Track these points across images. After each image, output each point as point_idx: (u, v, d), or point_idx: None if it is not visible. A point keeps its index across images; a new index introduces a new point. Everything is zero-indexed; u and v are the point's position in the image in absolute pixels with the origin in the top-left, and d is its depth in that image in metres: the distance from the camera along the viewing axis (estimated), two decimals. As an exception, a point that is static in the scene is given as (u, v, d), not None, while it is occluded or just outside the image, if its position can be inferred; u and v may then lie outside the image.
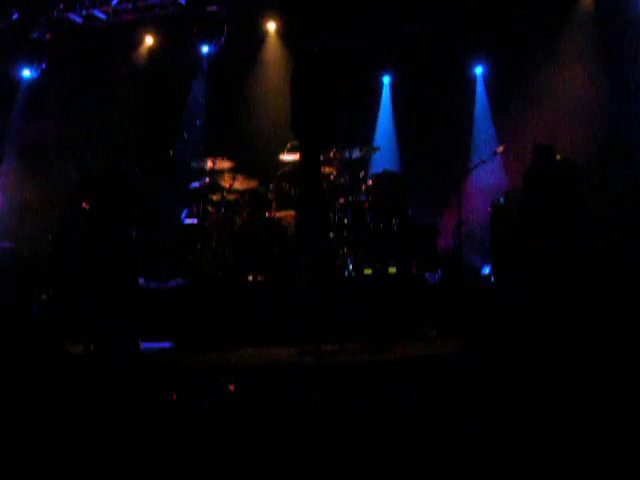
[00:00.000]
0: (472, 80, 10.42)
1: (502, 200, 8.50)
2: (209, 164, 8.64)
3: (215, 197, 8.66)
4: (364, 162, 8.65)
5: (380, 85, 10.83)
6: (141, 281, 8.01)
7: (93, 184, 6.94)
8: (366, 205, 7.99)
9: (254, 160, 9.87)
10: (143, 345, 6.47)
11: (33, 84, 10.88)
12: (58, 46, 10.54)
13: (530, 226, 7.50)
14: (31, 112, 10.73)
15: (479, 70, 10.41)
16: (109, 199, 7.01)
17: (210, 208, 8.66)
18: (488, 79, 10.34)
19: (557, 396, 3.98)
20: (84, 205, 7.03)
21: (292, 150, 8.05)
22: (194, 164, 8.84)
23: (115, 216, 6.98)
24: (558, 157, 7.58)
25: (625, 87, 9.25)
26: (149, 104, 10.72)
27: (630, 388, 3.94)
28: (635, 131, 9.00)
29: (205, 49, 10.87)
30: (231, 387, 4.78)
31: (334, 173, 8.42)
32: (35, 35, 10.31)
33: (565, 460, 3.21)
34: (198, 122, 9.98)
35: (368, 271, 7.71)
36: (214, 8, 10.36)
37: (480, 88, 10.39)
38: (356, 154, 8.42)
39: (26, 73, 10.82)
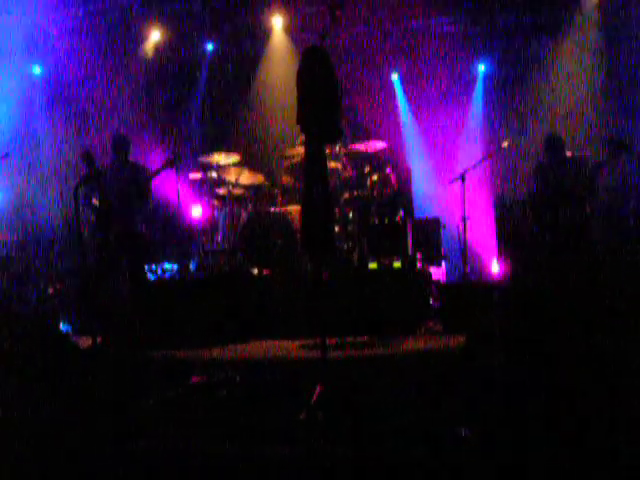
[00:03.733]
0: (476, 77, 10.47)
1: (507, 194, 8.54)
2: (215, 158, 8.68)
3: (221, 191, 8.71)
4: (370, 156, 8.66)
5: (391, 81, 10.88)
6: (148, 275, 8.06)
7: (100, 180, 6.97)
8: (371, 200, 8.02)
9: (260, 155, 9.92)
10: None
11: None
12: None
13: (537, 219, 7.49)
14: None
15: (482, 68, 10.44)
16: (116, 194, 7.05)
17: (216, 202, 8.71)
18: (491, 76, 10.37)
19: (560, 395, 4.01)
20: (93, 201, 7.05)
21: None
22: (200, 158, 8.88)
23: (123, 211, 7.02)
24: (568, 154, 7.61)
25: (627, 86, 9.29)
26: (155, 98, 10.77)
27: (631, 391, 3.96)
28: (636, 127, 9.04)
29: (211, 43, 10.90)
30: (236, 381, 4.82)
31: (339, 168, 8.45)
32: None
33: (565, 460, 3.24)
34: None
35: (373, 265, 7.73)
36: (221, 2, 10.38)
37: (483, 85, 10.42)
38: (362, 148, 8.45)
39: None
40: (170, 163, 7.23)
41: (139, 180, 7.17)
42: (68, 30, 9.97)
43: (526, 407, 3.81)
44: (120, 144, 7.23)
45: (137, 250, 7.13)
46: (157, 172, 7.20)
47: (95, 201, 7.01)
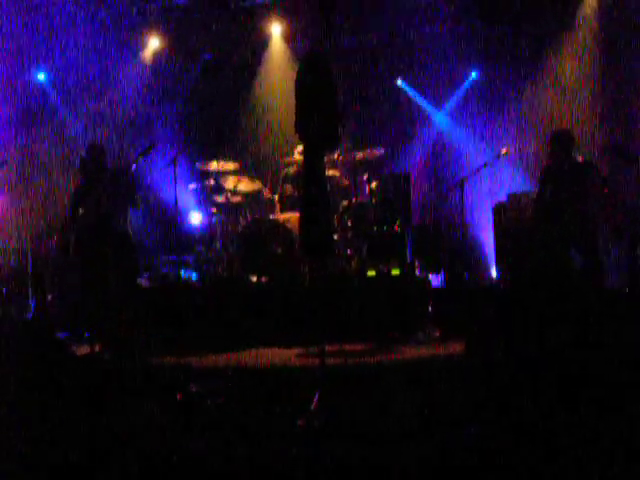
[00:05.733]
0: (475, 83, 10.49)
1: (505, 201, 8.53)
2: (213, 166, 8.68)
3: (219, 199, 8.71)
4: (368, 164, 8.65)
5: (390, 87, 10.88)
6: (145, 282, 8.05)
7: (95, 184, 6.99)
8: (369, 207, 8.01)
9: (258, 162, 9.92)
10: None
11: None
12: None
13: (542, 227, 7.38)
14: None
15: (473, 74, 10.46)
16: (110, 198, 7.05)
17: (214, 210, 8.71)
18: (489, 83, 10.38)
19: (560, 395, 4.00)
20: (80, 210, 7.06)
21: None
22: (198, 166, 8.88)
23: (115, 215, 7.03)
24: (580, 158, 7.28)
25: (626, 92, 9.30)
26: (154, 104, 10.79)
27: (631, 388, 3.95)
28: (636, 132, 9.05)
29: (210, 51, 10.91)
30: (234, 388, 4.81)
31: (338, 175, 8.45)
32: None
33: (564, 462, 3.23)
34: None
35: (372, 272, 7.72)
36: (219, 10, 10.39)
37: (481, 92, 10.44)
38: (360, 156, 8.44)
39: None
40: (147, 150, 7.22)
41: (121, 182, 7.17)
42: (71, 37, 10.01)
43: (526, 407, 3.81)
44: (94, 154, 7.26)
45: (130, 256, 7.15)
46: (139, 157, 7.20)
47: (81, 210, 7.04)
